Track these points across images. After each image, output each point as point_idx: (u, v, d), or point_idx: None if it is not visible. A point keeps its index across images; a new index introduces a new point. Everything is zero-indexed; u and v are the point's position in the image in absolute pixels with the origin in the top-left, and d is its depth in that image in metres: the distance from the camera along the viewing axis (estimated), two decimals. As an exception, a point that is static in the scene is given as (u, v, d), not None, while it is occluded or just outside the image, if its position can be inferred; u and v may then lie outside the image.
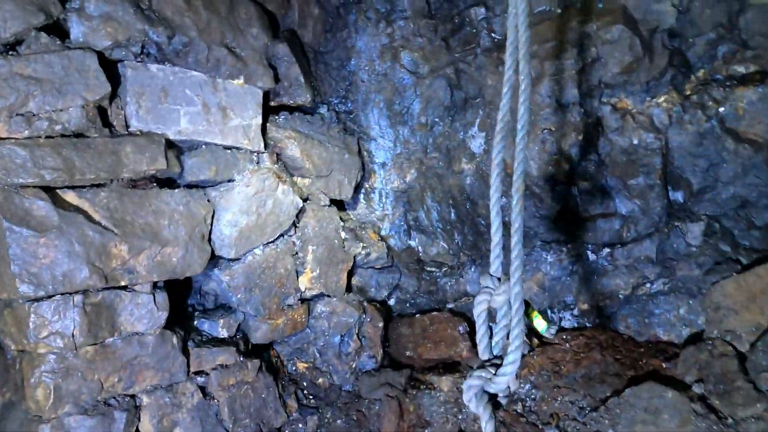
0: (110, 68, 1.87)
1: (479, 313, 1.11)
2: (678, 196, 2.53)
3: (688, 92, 2.43)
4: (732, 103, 2.35)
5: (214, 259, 2.25)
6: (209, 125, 2.12)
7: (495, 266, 1.13)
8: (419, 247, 3.09)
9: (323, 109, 2.78)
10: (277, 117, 2.53)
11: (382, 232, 3.05)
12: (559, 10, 2.55)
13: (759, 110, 2.30)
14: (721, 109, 2.36)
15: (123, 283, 1.87)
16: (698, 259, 2.47)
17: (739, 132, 2.37)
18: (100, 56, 1.81)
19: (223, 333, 2.28)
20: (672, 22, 2.37)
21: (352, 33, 2.78)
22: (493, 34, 2.68)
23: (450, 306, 3.08)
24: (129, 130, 1.90)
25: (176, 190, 2.02)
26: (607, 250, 2.65)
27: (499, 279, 1.13)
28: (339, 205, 2.82)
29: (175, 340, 2.02)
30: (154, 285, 1.96)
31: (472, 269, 3.05)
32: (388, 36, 2.76)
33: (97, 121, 1.79)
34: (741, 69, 2.39)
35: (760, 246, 2.44)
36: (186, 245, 2.03)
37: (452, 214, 2.98)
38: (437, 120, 2.86)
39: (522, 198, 1.07)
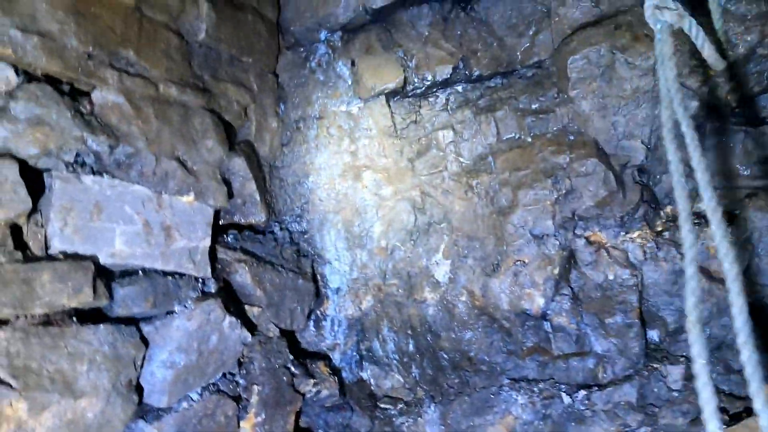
0: (33, 176, 1.55)
1: None
2: (654, 335, 2.40)
3: (659, 228, 2.37)
4: (703, 242, 2.30)
5: (140, 407, 1.84)
6: (150, 247, 1.80)
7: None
8: (372, 380, 2.78)
9: (276, 228, 2.52)
10: (225, 236, 2.24)
11: (333, 363, 2.72)
12: (529, 139, 2.50)
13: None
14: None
15: (15, 454, 1.43)
16: (681, 406, 2.30)
17: (711, 272, 2.31)
18: (23, 165, 1.50)
19: (140, 503, 1.81)
20: (642, 159, 2.36)
21: (311, 149, 2.60)
22: (461, 159, 2.59)
23: (406, 451, 2.72)
24: (49, 252, 1.55)
25: (101, 326, 1.64)
26: (583, 392, 2.43)
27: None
28: (289, 335, 2.49)
29: None
30: (57, 453, 1.52)
31: (431, 407, 2.73)
32: (351, 154, 2.60)
33: (8, 242, 1.44)
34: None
35: (740, 391, 2.31)
36: (107, 396, 1.63)
37: (411, 346, 2.71)
38: (398, 244, 2.66)
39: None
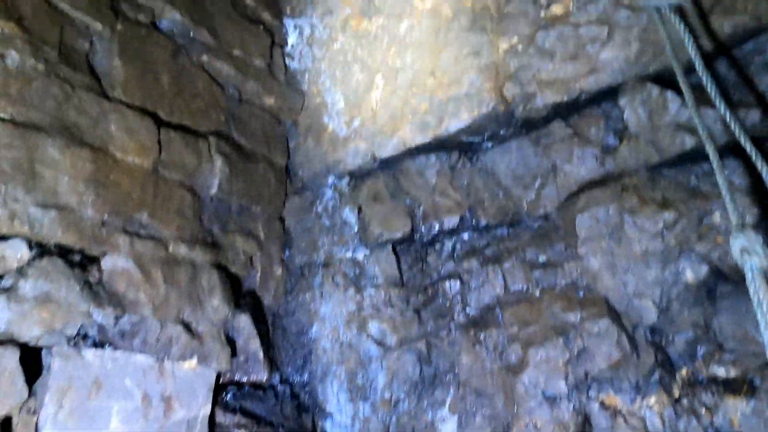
0: (30, 356, 1.45)
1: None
2: None
3: (677, 394, 2.28)
4: (725, 413, 2.21)
5: None
6: (147, 423, 1.68)
7: None
8: None
9: (276, 380, 2.40)
10: (225, 394, 2.11)
11: None
12: (537, 293, 2.47)
13: (754, 426, 2.16)
14: (716, 419, 2.21)
15: None
16: None
17: (735, 444, 2.20)
18: (23, 347, 1.41)
19: None
20: (654, 319, 2.32)
21: (316, 297, 2.54)
22: (467, 309, 2.53)
23: None
24: (39, 443, 1.42)
25: None
26: None
27: None
28: (285, 503, 2.29)
29: None
30: None
31: None
32: (356, 303, 2.54)
33: (-3, 440, 1.32)
34: (721, 371, 2.31)
35: None
36: None
37: None
38: (403, 396, 2.53)
39: None
